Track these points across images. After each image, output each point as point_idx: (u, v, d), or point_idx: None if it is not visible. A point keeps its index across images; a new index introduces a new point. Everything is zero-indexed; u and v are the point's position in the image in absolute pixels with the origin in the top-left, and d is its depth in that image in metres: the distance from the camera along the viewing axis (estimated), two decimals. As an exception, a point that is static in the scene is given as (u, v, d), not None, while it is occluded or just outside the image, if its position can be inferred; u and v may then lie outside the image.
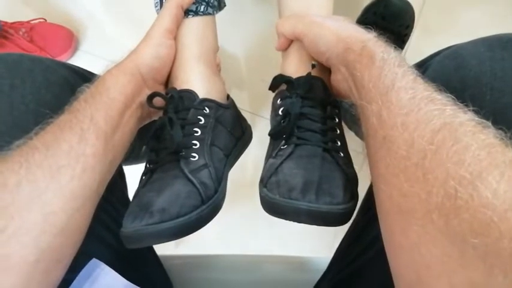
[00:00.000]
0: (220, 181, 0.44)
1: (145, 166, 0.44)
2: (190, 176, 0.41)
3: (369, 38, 0.38)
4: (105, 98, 0.39)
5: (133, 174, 0.56)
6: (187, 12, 0.48)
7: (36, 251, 0.31)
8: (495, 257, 0.21)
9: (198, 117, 0.45)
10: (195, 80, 0.47)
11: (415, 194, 0.26)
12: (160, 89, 0.47)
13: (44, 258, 0.32)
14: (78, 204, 0.35)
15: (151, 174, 0.43)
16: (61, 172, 0.33)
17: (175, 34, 0.48)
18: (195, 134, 0.44)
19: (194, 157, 0.42)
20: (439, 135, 0.27)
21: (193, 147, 0.43)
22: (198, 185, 0.40)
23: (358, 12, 0.92)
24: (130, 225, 0.38)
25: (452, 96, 0.30)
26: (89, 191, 0.36)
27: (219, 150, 0.46)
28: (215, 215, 0.42)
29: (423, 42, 0.97)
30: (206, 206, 0.40)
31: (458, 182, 0.24)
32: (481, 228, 0.22)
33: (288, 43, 0.48)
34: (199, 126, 0.44)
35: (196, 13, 0.49)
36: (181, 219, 0.38)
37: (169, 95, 0.45)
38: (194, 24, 0.49)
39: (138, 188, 0.43)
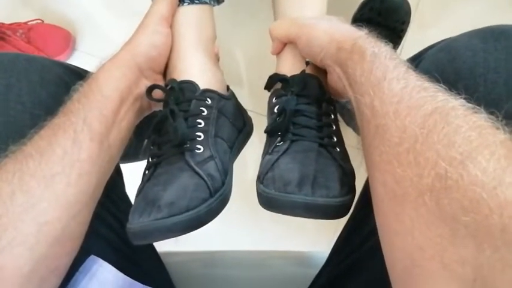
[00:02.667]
0: (226, 173, 0.43)
1: (148, 160, 0.43)
2: (196, 168, 0.40)
3: (360, 35, 0.38)
4: (99, 96, 0.39)
5: (129, 169, 0.57)
6: (182, 0, 0.47)
7: (30, 262, 0.31)
8: (485, 233, 0.22)
9: (201, 108, 0.44)
10: (194, 70, 0.46)
11: (408, 178, 0.27)
12: (158, 79, 0.46)
13: (38, 268, 0.32)
14: (74, 212, 0.34)
15: (155, 168, 0.42)
16: (55, 180, 0.33)
17: (170, 22, 0.47)
18: (199, 126, 0.43)
19: (199, 149, 0.42)
20: (430, 119, 0.27)
21: (198, 139, 0.42)
22: (205, 177, 0.39)
23: (355, 8, 0.92)
24: (137, 221, 0.37)
25: (445, 86, 0.30)
26: (84, 197, 0.35)
27: (223, 142, 0.45)
28: (224, 207, 0.41)
29: (420, 38, 0.97)
30: (215, 199, 0.39)
31: (449, 163, 0.24)
32: (471, 206, 0.23)
33: (283, 46, 0.48)
34: (203, 118, 0.43)
35: (192, 1, 0.48)
36: (190, 212, 0.37)
37: (169, 86, 0.44)
38: (190, 13, 0.48)
39: (141, 183, 0.42)
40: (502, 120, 0.26)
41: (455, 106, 0.27)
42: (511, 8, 1.03)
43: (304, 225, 0.97)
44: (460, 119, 0.26)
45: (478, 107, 0.28)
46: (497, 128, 0.26)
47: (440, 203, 0.24)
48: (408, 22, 0.91)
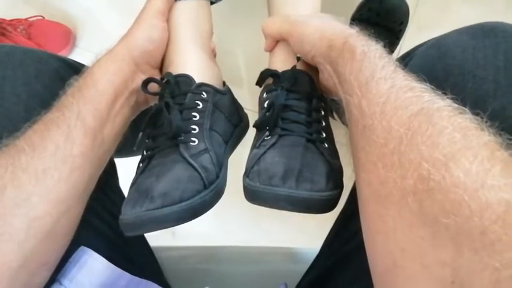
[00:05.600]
0: (221, 166, 0.43)
1: (142, 153, 0.44)
2: (191, 160, 0.40)
3: (351, 34, 0.38)
4: (93, 90, 0.39)
5: (124, 163, 0.57)
6: None
7: (20, 257, 0.31)
8: (465, 235, 0.22)
9: (196, 101, 0.44)
10: (190, 64, 0.46)
11: (391, 179, 0.27)
12: (155, 74, 0.47)
13: (28, 263, 0.32)
14: (65, 207, 0.35)
15: (150, 161, 0.42)
16: (47, 175, 0.33)
17: (167, 16, 0.47)
18: (194, 119, 0.43)
19: (194, 142, 0.42)
20: (415, 120, 0.27)
21: (192, 131, 0.42)
22: (199, 169, 0.40)
23: (353, 8, 0.92)
24: (130, 212, 0.37)
25: (432, 86, 0.30)
26: (76, 192, 0.36)
27: (218, 136, 0.45)
28: (218, 200, 0.41)
29: (418, 39, 0.97)
30: (209, 191, 0.39)
31: (432, 164, 0.24)
32: (452, 208, 0.22)
33: (275, 44, 0.49)
34: (198, 111, 0.43)
35: None
36: (184, 203, 0.37)
37: (165, 79, 0.44)
38: (187, 7, 0.48)
39: (135, 175, 0.42)
40: (486, 122, 0.26)
41: (440, 107, 0.27)
42: (508, 10, 1.03)
43: (303, 223, 0.97)
44: (444, 120, 0.26)
45: (463, 108, 0.27)
46: (482, 130, 0.26)
47: (423, 204, 0.24)
48: (406, 23, 0.91)
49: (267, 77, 0.46)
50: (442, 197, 0.23)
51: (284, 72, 0.44)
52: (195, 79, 0.45)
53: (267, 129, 0.42)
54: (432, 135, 0.26)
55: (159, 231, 0.38)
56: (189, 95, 0.44)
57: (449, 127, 0.26)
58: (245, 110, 0.56)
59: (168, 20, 0.47)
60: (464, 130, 0.25)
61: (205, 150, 0.42)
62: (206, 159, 0.41)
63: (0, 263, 0.30)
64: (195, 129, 0.43)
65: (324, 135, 0.42)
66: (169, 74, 0.45)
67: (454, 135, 0.25)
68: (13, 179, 0.32)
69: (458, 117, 0.27)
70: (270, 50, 0.49)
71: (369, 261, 0.30)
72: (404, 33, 0.92)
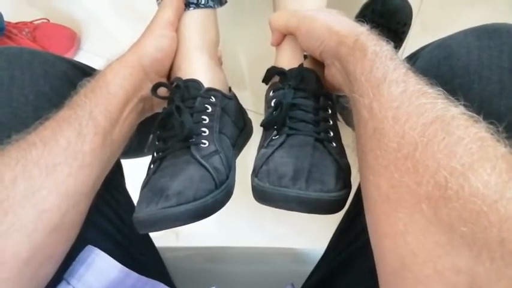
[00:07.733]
0: (230, 167, 0.44)
1: (153, 155, 0.45)
2: (202, 161, 0.41)
3: (362, 32, 0.38)
4: (105, 92, 0.40)
5: (130, 165, 0.57)
6: (188, 5, 0.49)
7: (29, 248, 0.32)
8: (483, 244, 0.22)
9: (205, 105, 0.45)
10: (199, 70, 0.47)
11: (405, 184, 0.27)
12: None
13: (36, 254, 0.32)
14: (74, 202, 0.35)
15: (161, 162, 0.43)
16: (57, 169, 0.34)
17: (176, 26, 0.48)
18: (204, 122, 0.44)
19: (204, 144, 0.43)
20: (430, 128, 0.27)
21: (203, 134, 0.44)
22: (211, 170, 0.41)
23: (356, 9, 0.92)
24: (145, 210, 0.38)
25: (443, 90, 0.30)
26: (85, 188, 0.36)
27: (227, 138, 0.47)
28: (228, 200, 0.42)
29: (421, 40, 0.96)
30: (220, 191, 0.41)
31: (450, 173, 0.24)
32: (470, 217, 0.23)
33: (282, 38, 0.49)
34: (207, 114, 0.45)
35: (197, 5, 0.49)
36: (197, 202, 0.38)
37: (175, 84, 0.45)
38: (195, 17, 0.49)
39: (147, 176, 0.43)
40: (502, 133, 0.27)
41: (455, 115, 0.27)
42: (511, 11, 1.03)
43: (307, 224, 0.97)
44: (461, 130, 0.26)
45: (477, 116, 0.28)
46: (498, 141, 0.26)
47: (438, 211, 0.24)
48: (410, 24, 0.91)
49: (273, 75, 0.47)
50: (459, 206, 0.23)
51: (291, 70, 0.45)
52: (204, 84, 0.46)
53: (275, 129, 0.42)
54: (449, 144, 0.26)
55: (162, 232, 0.39)
56: (199, 99, 0.45)
57: (466, 138, 0.26)
58: (248, 112, 0.56)
59: (177, 29, 0.48)
60: (481, 141, 0.26)
61: (216, 152, 0.43)
62: (217, 161, 0.42)
63: (11, 254, 0.31)
64: (205, 132, 0.44)
65: (332, 134, 0.42)
66: (179, 78, 0.46)
67: (471, 146, 0.25)
68: (24, 171, 0.33)
69: (474, 127, 0.27)
70: (277, 44, 0.49)
71: (376, 262, 0.30)
72: (408, 34, 0.93)
